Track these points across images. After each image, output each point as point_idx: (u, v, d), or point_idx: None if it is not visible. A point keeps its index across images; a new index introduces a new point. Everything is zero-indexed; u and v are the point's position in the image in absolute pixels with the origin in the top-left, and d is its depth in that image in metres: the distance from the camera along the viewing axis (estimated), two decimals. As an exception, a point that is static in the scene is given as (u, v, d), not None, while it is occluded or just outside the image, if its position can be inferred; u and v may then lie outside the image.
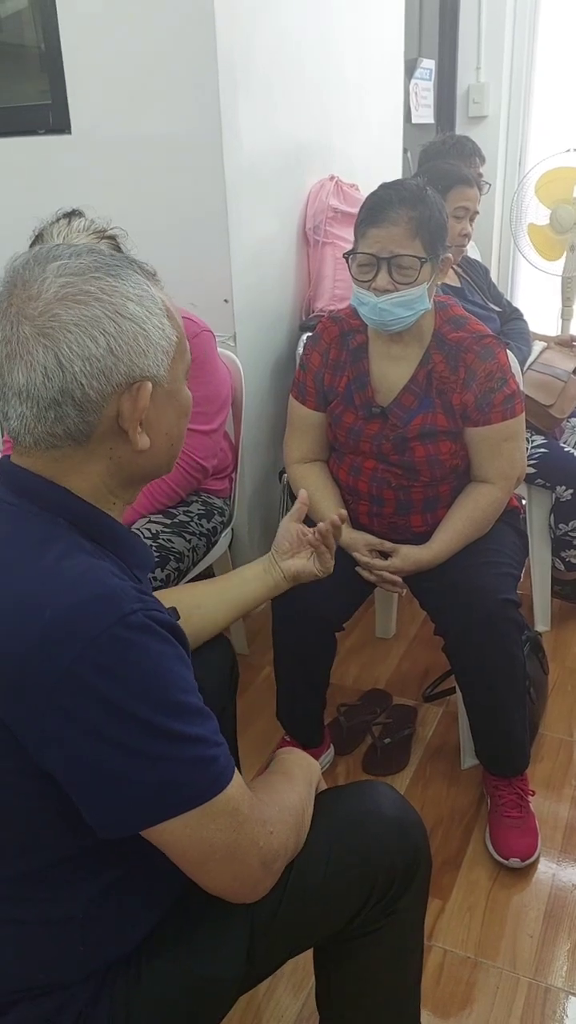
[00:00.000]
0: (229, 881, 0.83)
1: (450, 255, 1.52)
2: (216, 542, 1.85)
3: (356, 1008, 1.05)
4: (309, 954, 1.07)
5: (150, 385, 0.81)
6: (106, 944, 0.88)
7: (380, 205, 1.45)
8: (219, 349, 1.83)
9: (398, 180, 1.51)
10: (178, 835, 0.77)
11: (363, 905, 0.95)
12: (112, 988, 0.87)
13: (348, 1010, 1.06)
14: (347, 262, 1.51)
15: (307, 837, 0.94)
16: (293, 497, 2.22)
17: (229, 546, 2.01)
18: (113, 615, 0.73)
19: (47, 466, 0.82)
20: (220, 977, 0.90)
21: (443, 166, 2.14)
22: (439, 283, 1.55)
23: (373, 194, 1.48)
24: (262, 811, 0.85)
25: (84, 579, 0.76)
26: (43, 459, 0.82)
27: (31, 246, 1.59)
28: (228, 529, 1.94)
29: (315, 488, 1.66)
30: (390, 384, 1.58)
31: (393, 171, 2.82)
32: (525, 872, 1.57)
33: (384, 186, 1.49)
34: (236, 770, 0.81)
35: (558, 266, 3.12)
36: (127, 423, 0.81)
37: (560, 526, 2.14)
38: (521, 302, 2.96)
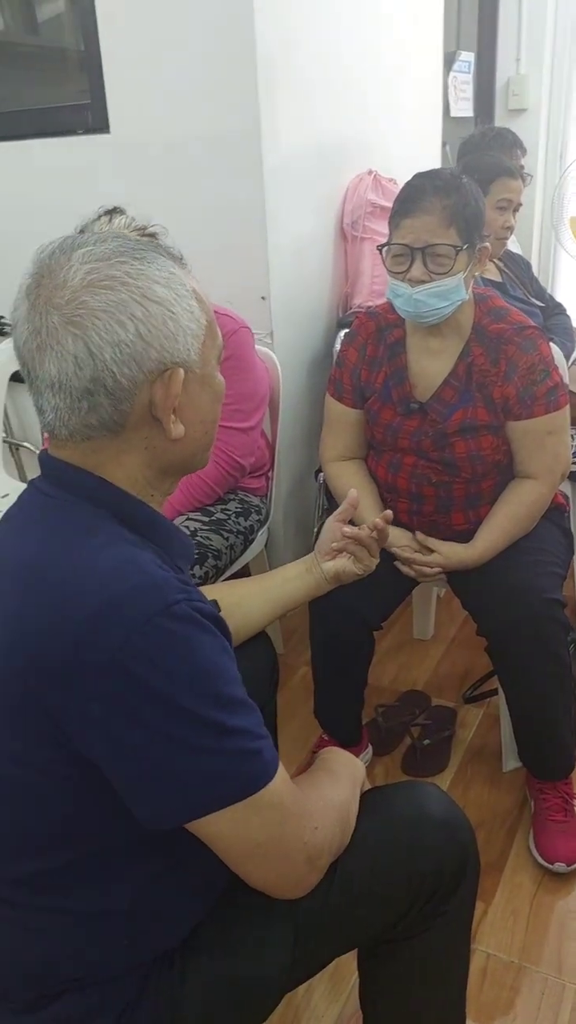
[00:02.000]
0: (273, 876, 0.83)
1: (488, 244, 1.49)
2: (253, 540, 1.84)
3: (401, 1009, 1.04)
4: (350, 954, 1.05)
5: (182, 372, 0.80)
6: (151, 937, 0.87)
7: (414, 195, 1.42)
8: (256, 346, 1.82)
9: (432, 169, 1.49)
10: (222, 829, 0.77)
11: (410, 906, 0.94)
12: (156, 984, 0.87)
13: (393, 1011, 1.05)
14: (381, 254, 1.49)
15: (353, 836, 0.92)
16: (329, 496, 2.21)
17: (265, 545, 2.00)
18: (157, 605, 0.73)
19: (85, 457, 0.82)
20: (264, 976, 0.90)
21: (485, 158, 2.11)
22: (477, 273, 1.52)
23: (407, 184, 1.46)
24: (307, 807, 0.84)
25: (128, 569, 0.75)
26: (80, 450, 0.82)
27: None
28: (265, 528, 1.93)
29: (351, 484, 1.64)
30: (429, 379, 1.56)
31: (432, 165, 2.76)
32: (570, 876, 1.53)
33: (418, 175, 1.46)
34: (280, 765, 0.80)
35: (601, 260, 3.06)
36: (160, 411, 0.80)
37: (605, 524, 2.09)
38: (562, 297, 2.90)
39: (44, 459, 0.85)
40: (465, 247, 1.41)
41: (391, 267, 1.46)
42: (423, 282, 1.42)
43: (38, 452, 0.88)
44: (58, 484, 0.83)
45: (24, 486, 0.90)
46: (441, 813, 0.97)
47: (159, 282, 0.79)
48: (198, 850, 0.79)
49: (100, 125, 2.08)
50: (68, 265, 0.77)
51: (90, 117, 2.10)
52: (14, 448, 2.54)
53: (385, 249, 1.46)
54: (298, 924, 0.90)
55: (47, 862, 0.81)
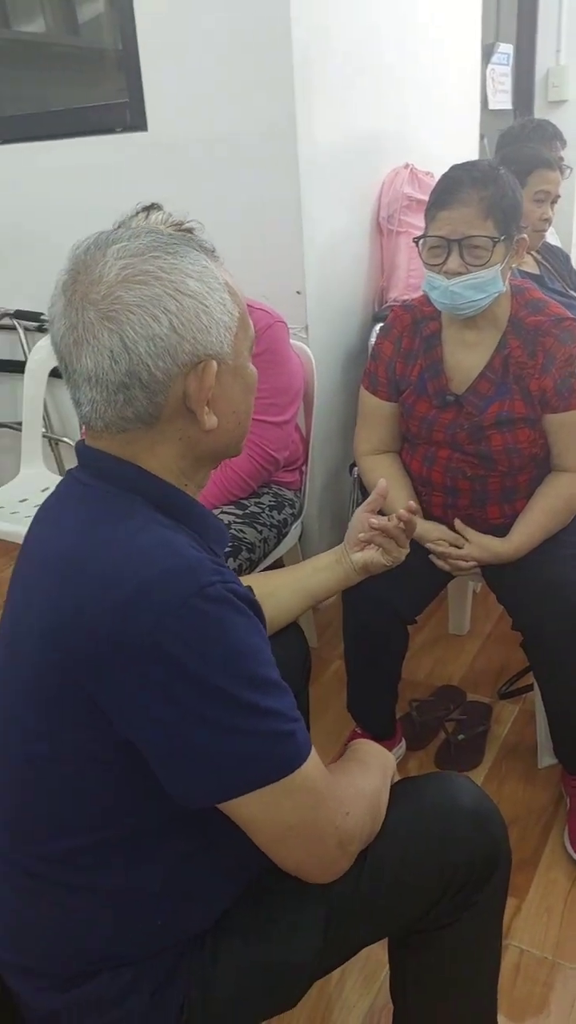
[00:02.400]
0: (305, 859, 0.83)
1: (525, 236, 1.48)
2: (286, 534, 1.85)
3: (431, 1000, 1.04)
4: (382, 946, 1.06)
5: (215, 364, 0.81)
6: (183, 918, 0.88)
7: (450, 187, 1.42)
8: (291, 341, 1.82)
9: (469, 161, 1.48)
10: (255, 810, 0.78)
11: (440, 896, 0.94)
12: (189, 964, 0.88)
13: (423, 1002, 1.05)
14: (417, 246, 1.48)
15: (385, 826, 0.93)
16: (363, 490, 2.21)
17: (299, 539, 2.00)
18: (192, 586, 0.74)
19: (121, 448, 0.84)
20: (296, 961, 0.91)
21: (523, 149, 2.09)
22: (514, 265, 1.50)
23: (444, 176, 1.45)
24: (339, 792, 0.85)
25: (162, 551, 0.77)
26: (116, 442, 0.83)
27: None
28: (298, 521, 1.94)
29: (384, 477, 1.64)
30: (465, 371, 1.55)
31: (469, 158, 2.73)
32: (605, 875, 1.52)
33: (455, 167, 1.46)
34: (313, 749, 0.81)
35: None
36: (194, 403, 0.82)
37: None
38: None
39: (81, 449, 0.87)
40: (502, 239, 1.40)
41: (427, 259, 1.45)
42: (459, 274, 1.41)
43: (75, 443, 0.90)
44: (95, 474, 0.85)
45: (66, 481, 0.92)
46: (472, 804, 0.97)
47: (192, 276, 0.80)
48: (230, 832, 0.80)
49: (138, 123, 2.10)
50: (103, 261, 0.79)
51: (128, 115, 2.12)
52: (54, 443, 2.58)
53: (421, 241, 1.46)
54: (330, 910, 0.91)
55: (83, 840, 0.83)
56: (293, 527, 1.89)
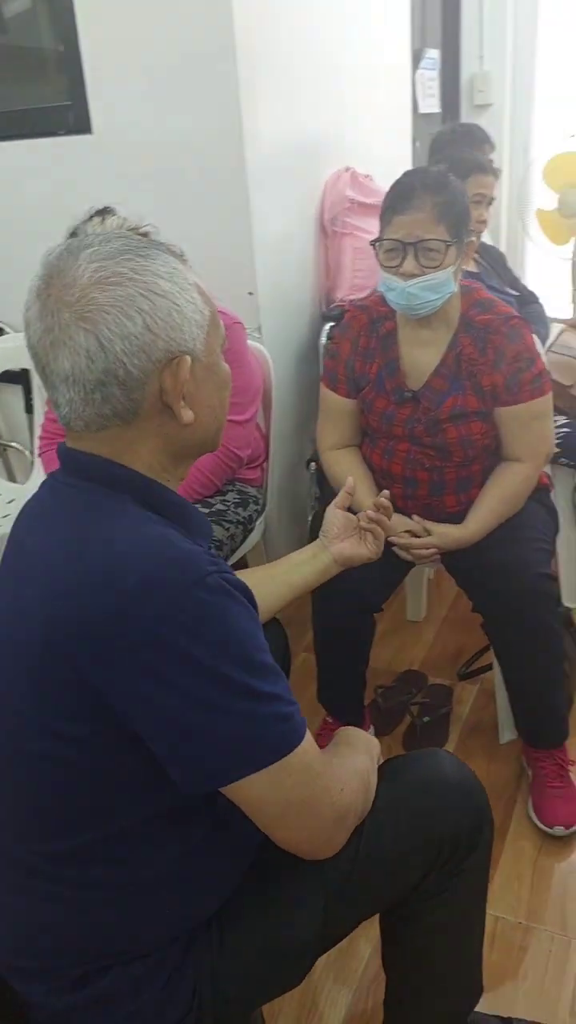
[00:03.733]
0: (305, 836, 0.87)
1: (474, 239, 1.55)
2: (252, 530, 1.89)
3: (424, 969, 1.09)
4: (360, 931, 1.09)
5: (189, 359, 0.84)
6: (191, 905, 0.91)
7: (405, 192, 1.48)
8: (248, 340, 1.86)
9: (421, 167, 1.55)
10: (257, 791, 0.81)
11: (431, 867, 0.99)
12: (198, 951, 0.91)
13: (416, 971, 1.09)
14: (374, 249, 1.54)
15: (376, 803, 0.97)
16: (321, 485, 2.26)
17: (262, 535, 2.04)
18: (191, 577, 0.77)
19: (101, 447, 0.86)
20: (299, 941, 0.94)
21: (459, 154, 2.17)
22: (464, 267, 1.58)
23: (397, 182, 1.52)
24: (333, 770, 0.89)
25: (160, 544, 0.79)
26: (96, 441, 0.85)
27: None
28: (262, 517, 1.98)
29: (349, 473, 1.69)
30: (420, 368, 1.62)
31: (404, 161, 2.84)
32: (570, 839, 1.60)
33: (408, 173, 1.52)
34: (308, 730, 0.85)
35: (567, 250, 3.15)
36: (170, 398, 0.84)
37: (585, 504, 2.17)
38: (531, 286, 2.98)
39: (64, 452, 0.89)
40: (454, 242, 1.47)
41: (384, 262, 1.51)
42: (415, 276, 1.48)
43: (57, 446, 0.91)
44: (78, 474, 0.86)
45: (16, 486, 0.93)
46: (456, 776, 1.02)
47: (163, 276, 0.83)
48: (232, 816, 0.84)
49: (82, 126, 2.10)
50: (76, 265, 0.81)
51: (71, 118, 2.11)
52: (1, 448, 2.55)
53: (378, 244, 1.52)
54: (328, 888, 0.95)
55: (90, 836, 0.84)
56: (258, 523, 1.93)
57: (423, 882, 1.00)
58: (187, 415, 0.86)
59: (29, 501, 0.93)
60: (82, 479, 0.86)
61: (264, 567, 1.32)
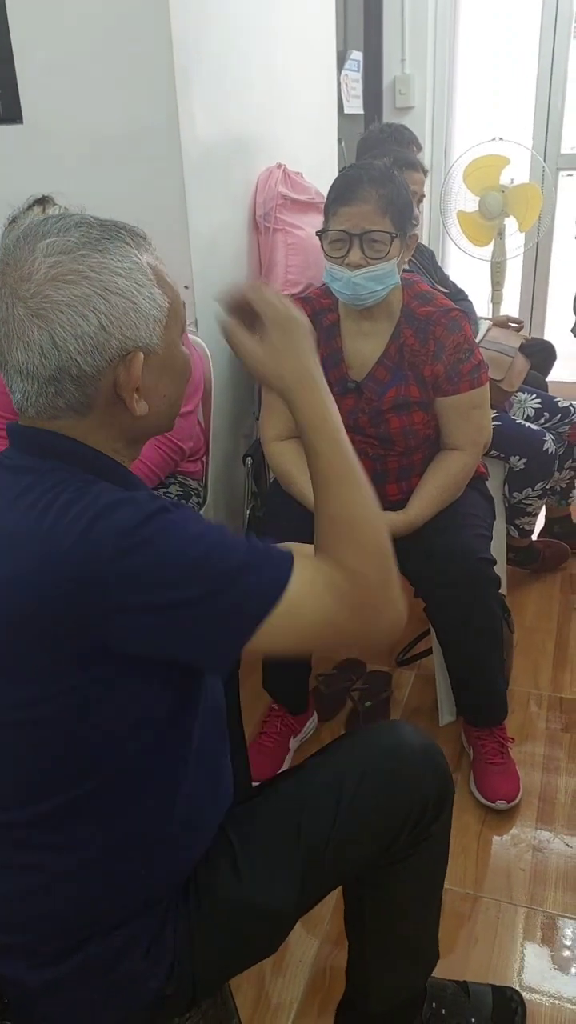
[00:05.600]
0: (363, 626, 0.84)
1: (416, 232, 1.60)
2: (195, 522, 1.89)
3: (387, 933, 1.12)
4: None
5: (141, 355, 0.84)
6: (166, 865, 0.91)
7: (351, 184, 1.51)
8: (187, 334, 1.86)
9: (366, 162, 1.59)
10: (292, 624, 0.80)
11: (400, 831, 1.02)
12: (175, 922, 0.92)
13: (380, 935, 1.12)
14: (320, 240, 1.57)
15: (344, 775, 0.99)
16: (256, 480, 2.28)
17: (203, 527, 2.04)
18: (139, 513, 0.78)
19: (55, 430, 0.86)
20: (275, 909, 0.96)
21: (389, 152, 2.22)
22: (406, 260, 1.62)
23: (343, 175, 1.55)
24: (333, 565, 0.84)
25: (106, 490, 0.80)
26: (49, 427, 0.86)
27: (6, 230, 1.61)
28: (202, 510, 1.98)
29: (292, 464, 1.72)
30: (363, 359, 1.65)
31: (331, 160, 2.88)
32: (510, 812, 1.67)
33: (353, 167, 1.56)
34: (293, 551, 0.84)
35: (487, 251, 3.26)
36: (123, 391, 0.85)
37: (514, 495, 2.25)
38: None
39: (16, 429, 0.88)
40: (398, 234, 1.51)
41: (330, 252, 1.54)
42: (360, 266, 1.51)
43: (7, 425, 0.90)
44: (28, 450, 0.86)
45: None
46: (420, 743, 1.06)
47: (120, 274, 0.82)
48: (210, 765, 0.86)
49: (12, 115, 2.05)
50: (32, 257, 0.80)
51: (0, 107, 2.07)
52: None
53: (323, 235, 1.54)
54: (306, 856, 0.97)
55: (63, 796, 0.84)
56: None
57: (392, 846, 1.02)
58: (141, 408, 0.86)
59: None
60: (32, 456, 0.85)
61: None
